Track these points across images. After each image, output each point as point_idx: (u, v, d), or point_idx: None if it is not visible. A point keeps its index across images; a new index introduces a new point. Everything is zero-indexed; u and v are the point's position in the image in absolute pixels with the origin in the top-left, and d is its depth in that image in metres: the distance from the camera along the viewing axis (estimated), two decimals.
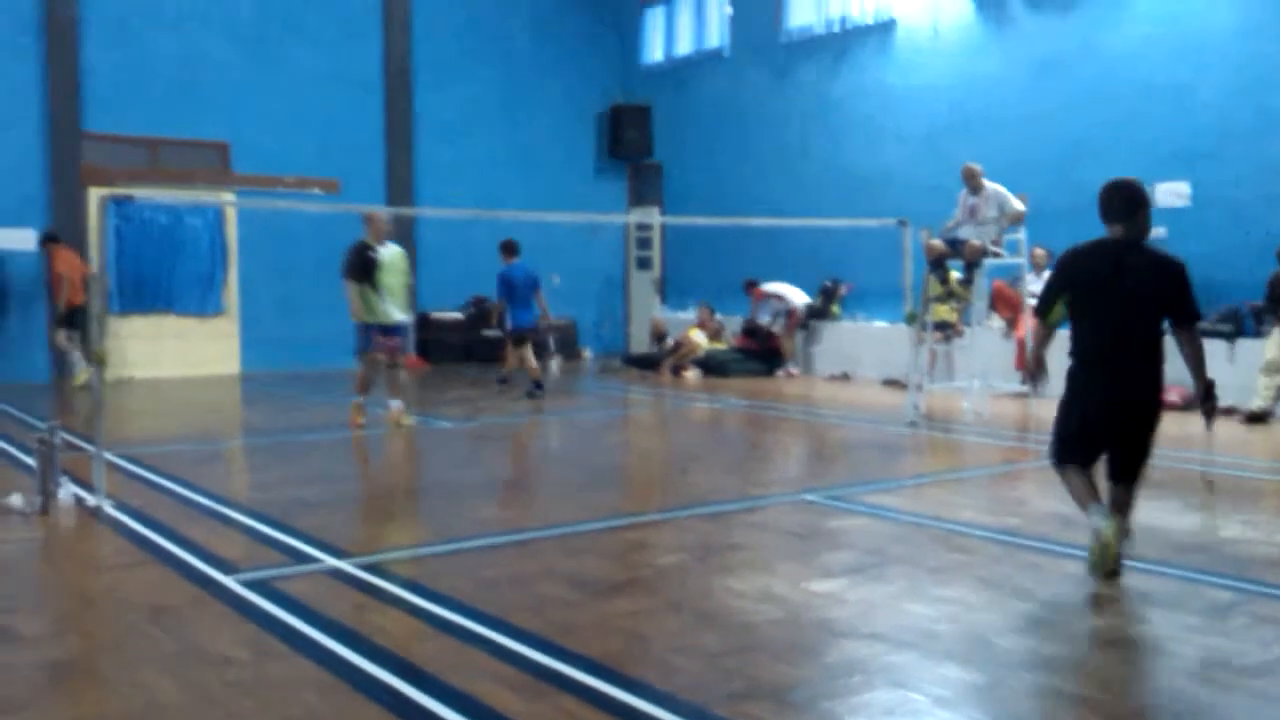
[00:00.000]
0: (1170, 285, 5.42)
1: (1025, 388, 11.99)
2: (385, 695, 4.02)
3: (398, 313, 11.10)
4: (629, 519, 7.09)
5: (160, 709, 3.96)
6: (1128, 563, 5.66)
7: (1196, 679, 4.17)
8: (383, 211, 12.24)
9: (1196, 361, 5.48)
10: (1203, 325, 11.70)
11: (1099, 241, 5.59)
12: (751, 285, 16.81)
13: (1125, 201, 5.49)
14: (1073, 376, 5.64)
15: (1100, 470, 5.75)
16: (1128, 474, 5.61)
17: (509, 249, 13.83)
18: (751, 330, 16.90)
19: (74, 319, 14.64)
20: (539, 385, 13.61)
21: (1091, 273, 5.53)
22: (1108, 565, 5.38)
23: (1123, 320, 5.44)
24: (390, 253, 11.05)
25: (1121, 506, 5.61)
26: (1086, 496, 5.56)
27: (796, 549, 6.22)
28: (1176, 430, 10.34)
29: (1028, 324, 11.74)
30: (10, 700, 4.04)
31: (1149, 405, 5.50)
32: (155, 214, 16.19)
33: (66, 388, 14.43)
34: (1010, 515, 6.87)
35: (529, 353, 13.73)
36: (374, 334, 10.94)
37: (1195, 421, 10.80)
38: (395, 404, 11.06)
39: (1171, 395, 11.60)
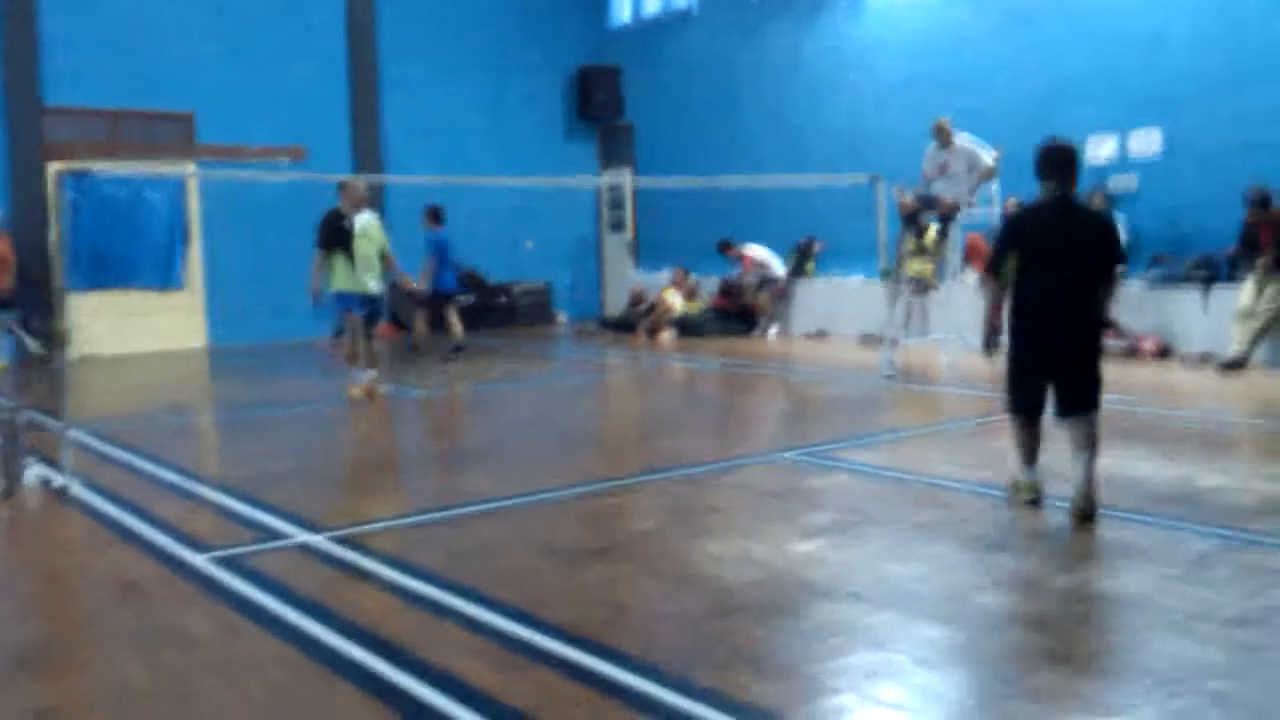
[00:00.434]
0: (1102, 238, 5.91)
1: (980, 351, 12.01)
2: (356, 672, 3.94)
3: (374, 283, 10.92)
4: (605, 484, 7.00)
5: (129, 691, 3.89)
6: (1108, 513, 5.65)
7: (1179, 632, 4.13)
8: (359, 179, 12.05)
9: (1109, 300, 6.03)
10: (1178, 272, 11.90)
11: (1040, 203, 6.01)
12: (727, 246, 16.64)
13: (1060, 162, 5.92)
14: (1017, 329, 6.01)
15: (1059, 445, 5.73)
16: (1082, 402, 5.82)
17: (437, 215, 13.78)
18: (728, 290, 16.79)
19: (11, 303, 14.24)
20: (459, 349, 13.87)
21: (1037, 232, 5.96)
22: (1022, 505, 5.99)
23: (1065, 272, 5.81)
24: (364, 221, 10.87)
25: (1084, 447, 5.75)
26: (1026, 456, 6.02)
27: (775, 509, 6.15)
28: (1154, 380, 10.35)
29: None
30: None
31: (1089, 343, 5.90)
32: (114, 188, 15.89)
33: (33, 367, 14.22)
34: (987, 469, 6.82)
35: (454, 315, 14.10)
36: (350, 302, 10.80)
37: (1170, 372, 10.88)
38: (369, 374, 10.91)
39: (1146, 343, 11.66)
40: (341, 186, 11.01)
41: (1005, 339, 6.15)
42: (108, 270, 15.92)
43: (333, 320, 10.94)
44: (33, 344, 13.96)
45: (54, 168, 15.03)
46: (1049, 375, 5.90)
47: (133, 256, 16.15)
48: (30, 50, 15.27)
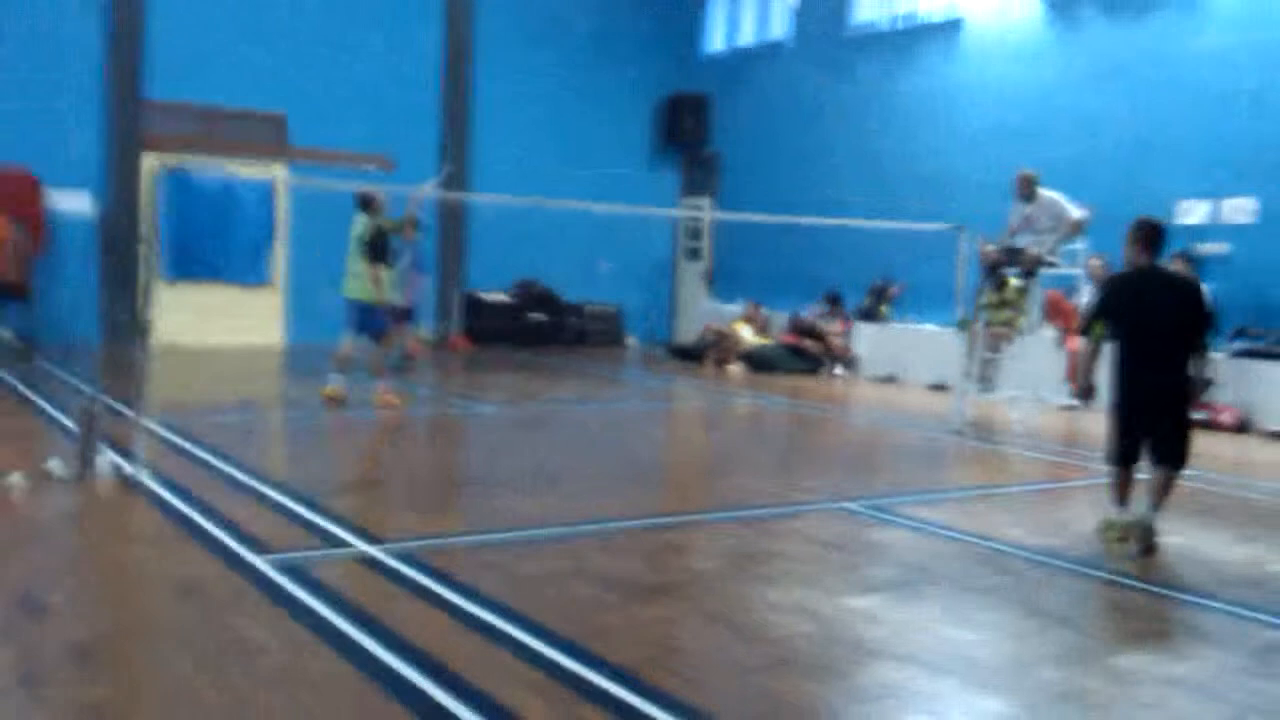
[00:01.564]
0: (1190, 306, 6.54)
1: (1075, 401, 11.82)
2: (409, 695, 3.95)
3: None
4: (668, 519, 7.00)
5: (180, 693, 3.93)
6: (1176, 594, 5.54)
7: None
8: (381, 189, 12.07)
9: (1204, 363, 6.68)
10: (1262, 345, 11.65)
11: (1134, 271, 6.68)
12: (835, 302, 16.48)
13: (1157, 236, 6.64)
14: (1117, 385, 6.62)
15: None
16: (1169, 456, 6.49)
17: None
18: (798, 328, 16.69)
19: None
20: (410, 357, 14.17)
21: (1128, 299, 6.65)
22: (1111, 543, 6.43)
23: (1155, 337, 6.49)
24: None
25: (1157, 491, 6.44)
26: (1119, 496, 6.59)
27: (835, 561, 6.10)
28: (1231, 454, 10.12)
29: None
30: (33, 675, 4.02)
31: (1179, 403, 6.53)
32: (209, 182, 16.25)
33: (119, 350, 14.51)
34: (1055, 536, 6.71)
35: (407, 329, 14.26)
36: (388, 313, 11.28)
37: (1248, 446, 10.62)
38: (344, 377, 11.10)
39: (1224, 415, 11.40)
40: (371, 199, 10.97)
41: (1101, 392, 6.84)
42: (200, 262, 16.25)
43: (375, 332, 11.11)
44: (6, 334, 13.97)
45: (149, 160, 15.42)
46: (1143, 430, 6.51)
47: (225, 250, 16.49)
48: (134, 43, 15.64)
